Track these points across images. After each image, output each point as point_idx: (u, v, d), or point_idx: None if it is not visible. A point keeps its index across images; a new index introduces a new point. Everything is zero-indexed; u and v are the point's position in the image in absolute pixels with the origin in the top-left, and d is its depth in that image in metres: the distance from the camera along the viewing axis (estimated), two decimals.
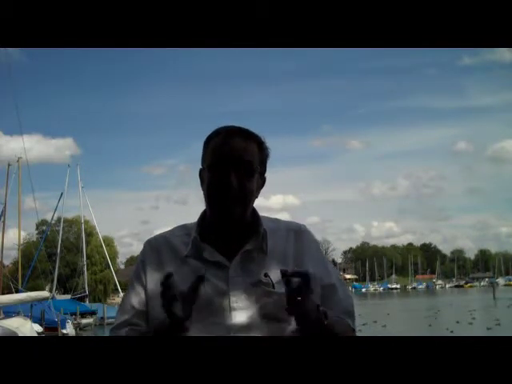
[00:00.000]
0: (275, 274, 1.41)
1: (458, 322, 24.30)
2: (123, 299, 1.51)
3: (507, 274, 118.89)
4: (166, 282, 1.25)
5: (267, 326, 1.39)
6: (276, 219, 1.56)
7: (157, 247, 1.51)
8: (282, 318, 1.38)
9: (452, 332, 19.68)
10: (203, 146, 1.49)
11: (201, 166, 1.49)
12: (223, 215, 1.42)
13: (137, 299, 1.47)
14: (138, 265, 1.52)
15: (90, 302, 41.70)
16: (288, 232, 1.51)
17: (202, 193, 1.47)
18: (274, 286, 1.41)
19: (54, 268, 41.04)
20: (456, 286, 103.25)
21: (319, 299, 1.44)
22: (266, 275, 1.42)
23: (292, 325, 1.38)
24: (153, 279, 1.46)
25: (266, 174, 1.51)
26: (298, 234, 1.52)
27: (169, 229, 1.57)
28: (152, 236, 1.56)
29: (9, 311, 22.28)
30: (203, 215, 1.50)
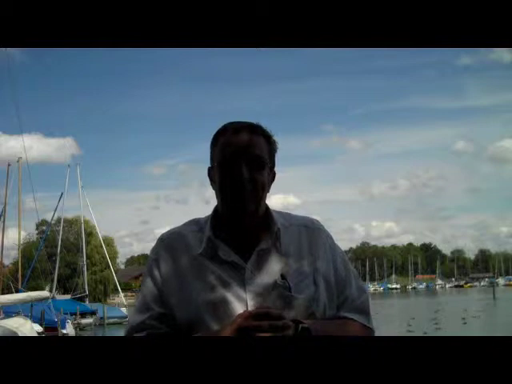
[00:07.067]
0: (292, 276, 1.41)
1: (431, 323, 24.21)
2: (139, 300, 1.49)
3: (507, 273, 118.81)
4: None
5: None
6: (288, 214, 1.54)
7: (171, 244, 1.48)
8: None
9: (426, 333, 19.60)
10: (211, 143, 1.48)
11: (209, 165, 1.48)
12: (237, 209, 1.41)
13: (153, 300, 1.45)
14: (150, 263, 1.49)
15: (89, 301, 41.73)
16: (300, 228, 1.50)
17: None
18: (290, 289, 1.40)
19: (54, 268, 41.00)
20: (456, 286, 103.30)
21: (334, 298, 1.46)
22: (282, 277, 1.41)
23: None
24: (168, 278, 1.44)
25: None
26: (310, 230, 1.51)
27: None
28: (164, 232, 1.53)
29: (9, 311, 22.29)
30: (215, 212, 1.49)
